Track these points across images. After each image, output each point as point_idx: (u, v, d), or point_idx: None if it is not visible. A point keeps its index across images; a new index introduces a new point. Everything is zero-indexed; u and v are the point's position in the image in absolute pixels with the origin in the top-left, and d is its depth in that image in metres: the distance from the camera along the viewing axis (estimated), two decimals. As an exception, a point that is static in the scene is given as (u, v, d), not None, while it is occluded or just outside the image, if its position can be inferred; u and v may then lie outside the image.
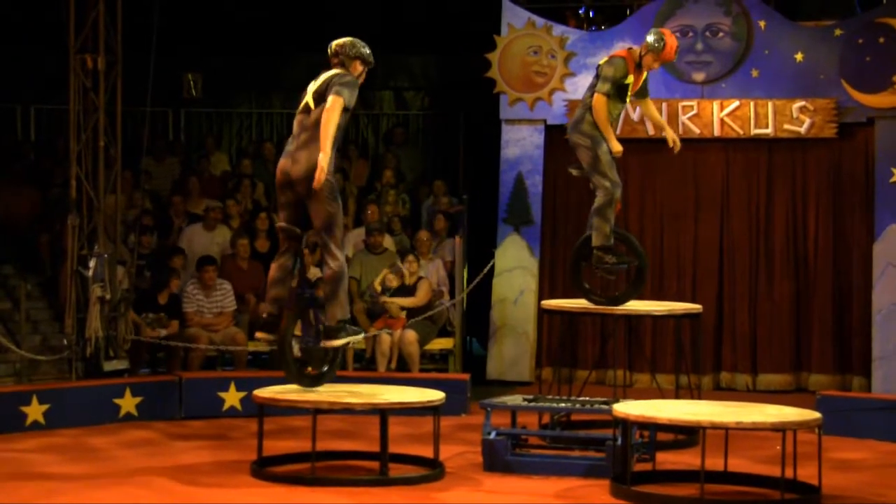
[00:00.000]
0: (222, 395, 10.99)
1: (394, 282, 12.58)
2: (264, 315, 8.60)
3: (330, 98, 8.27)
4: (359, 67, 8.64)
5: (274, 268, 8.53)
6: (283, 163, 8.37)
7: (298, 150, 8.31)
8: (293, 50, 16.08)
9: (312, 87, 8.51)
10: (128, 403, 10.68)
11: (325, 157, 8.13)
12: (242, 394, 10.82)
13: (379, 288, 12.59)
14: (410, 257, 12.68)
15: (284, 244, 8.55)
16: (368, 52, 8.68)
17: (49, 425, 10.20)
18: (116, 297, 11.46)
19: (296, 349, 8.61)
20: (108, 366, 11.27)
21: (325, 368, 8.84)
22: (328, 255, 8.31)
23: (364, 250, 13.23)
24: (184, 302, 12.19)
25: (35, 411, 10.21)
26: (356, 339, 8.65)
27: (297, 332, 8.68)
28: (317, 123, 8.27)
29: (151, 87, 11.54)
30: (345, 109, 8.32)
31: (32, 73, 14.59)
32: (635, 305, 10.07)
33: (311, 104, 8.40)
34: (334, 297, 8.34)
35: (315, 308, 8.60)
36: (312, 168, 8.17)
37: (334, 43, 8.63)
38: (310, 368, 8.71)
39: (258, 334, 8.72)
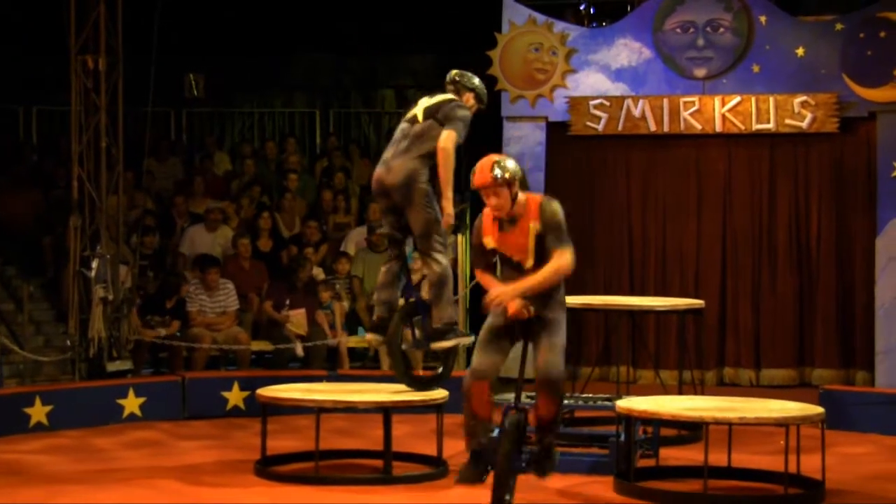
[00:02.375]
0: (226, 394, 11.00)
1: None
2: (374, 318, 8.65)
3: (445, 133, 8.35)
4: (471, 100, 8.72)
5: (382, 272, 8.63)
6: (379, 172, 8.42)
7: (394, 158, 8.36)
8: (294, 50, 16.11)
9: (425, 102, 8.56)
10: (131, 404, 10.68)
11: (448, 203, 8.32)
12: (246, 393, 10.83)
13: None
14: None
15: (391, 251, 8.65)
16: (485, 91, 8.83)
17: (53, 426, 10.21)
18: (119, 297, 11.47)
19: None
20: (112, 366, 11.28)
21: (440, 370, 8.84)
22: (430, 260, 8.40)
23: (366, 248, 13.23)
24: (187, 302, 12.19)
25: (38, 412, 10.21)
26: (464, 342, 8.70)
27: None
28: (418, 136, 8.36)
29: (153, 88, 11.55)
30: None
31: (34, 75, 14.61)
32: (638, 301, 10.06)
33: (420, 117, 8.46)
34: (439, 300, 8.40)
35: (422, 311, 8.58)
36: (408, 177, 8.26)
37: (454, 71, 8.77)
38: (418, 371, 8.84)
39: (368, 336, 8.77)
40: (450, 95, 8.59)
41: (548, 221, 6.94)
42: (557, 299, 7.05)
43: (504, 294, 6.82)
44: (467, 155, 15.26)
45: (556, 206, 7.00)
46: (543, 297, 6.97)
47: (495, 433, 6.94)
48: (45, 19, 12.85)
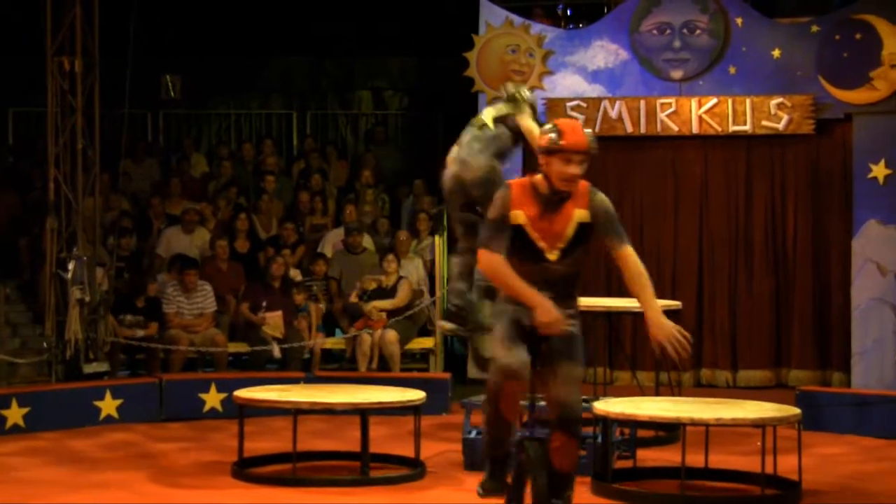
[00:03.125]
0: (203, 396, 10.97)
1: (371, 284, 12.58)
2: (450, 307, 8.85)
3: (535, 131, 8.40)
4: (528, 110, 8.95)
5: (455, 263, 8.87)
6: (455, 170, 8.66)
7: (471, 156, 8.63)
8: (271, 52, 16.09)
9: (491, 112, 8.92)
10: (108, 406, 10.65)
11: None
12: (223, 395, 10.80)
13: (356, 299, 12.59)
14: (390, 257, 12.68)
15: (465, 243, 8.77)
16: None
17: (29, 428, 10.16)
18: (96, 299, 11.44)
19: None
20: (88, 368, 11.25)
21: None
22: None
23: (343, 250, 13.23)
24: (164, 303, 12.17)
25: (15, 414, 10.17)
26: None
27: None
28: (492, 138, 8.70)
29: (129, 90, 11.52)
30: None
31: (9, 77, 14.55)
32: (615, 303, 10.08)
33: (490, 124, 8.78)
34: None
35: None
36: (488, 173, 8.52)
37: (512, 85, 9.08)
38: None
39: (443, 324, 8.98)
40: (512, 108, 8.89)
41: (600, 210, 6.07)
42: (577, 309, 6.26)
43: (560, 320, 5.94)
44: (446, 155, 15.34)
45: (603, 195, 6.16)
46: (568, 306, 6.16)
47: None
48: (20, 21, 12.81)
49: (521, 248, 6.02)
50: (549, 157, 5.98)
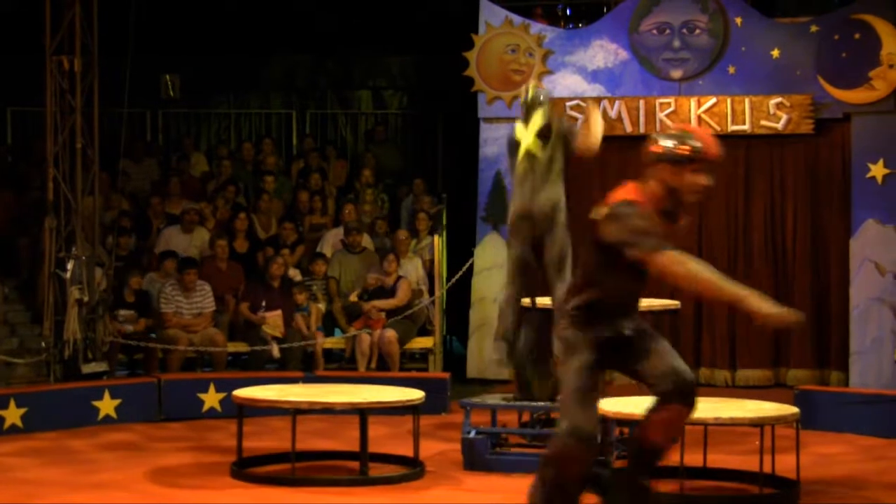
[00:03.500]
0: (202, 396, 10.96)
1: (374, 282, 12.57)
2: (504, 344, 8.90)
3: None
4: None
5: (505, 297, 8.90)
6: (523, 204, 8.59)
7: (535, 192, 8.58)
8: (271, 51, 16.07)
9: (528, 131, 8.76)
10: (107, 406, 10.64)
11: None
12: (222, 395, 10.80)
13: (356, 298, 12.58)
14: (390, 257, 12.68)
15: (513, 279, 8.86)
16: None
17: (27, 428, 10.15)
18: (94, 299, 11.43)
19: None
20: (87, 368, 11.24)
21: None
22: (560, 285, 8.55)
23: (343, 250, 13.22)
24: (162, 303, 12.17)
25: (13, 415, 10.16)
26: None
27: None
28: (546, 166, 8.58)
29: (128, 89, 11.51)
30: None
31: (8, 76, 14.54)
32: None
33: (536, 150, 8.64)
34: None
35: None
36: (550, 209, 8.53)
37: (536, 89, 8.95)
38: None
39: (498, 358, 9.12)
40: (546, 116, 8.79)
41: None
42: None
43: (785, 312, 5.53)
44: (445, 154, 15.36)
45: None
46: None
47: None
48: (19, 20, 12.80)
49: (625, 265, 5.63)
50: (679, 167, 5.63)
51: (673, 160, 5.62)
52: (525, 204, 8.63)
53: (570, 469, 5.67)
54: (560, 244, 8.62)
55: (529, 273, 8.78)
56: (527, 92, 8.93)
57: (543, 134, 8.68)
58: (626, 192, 5.67)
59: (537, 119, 8.77)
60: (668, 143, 5.63)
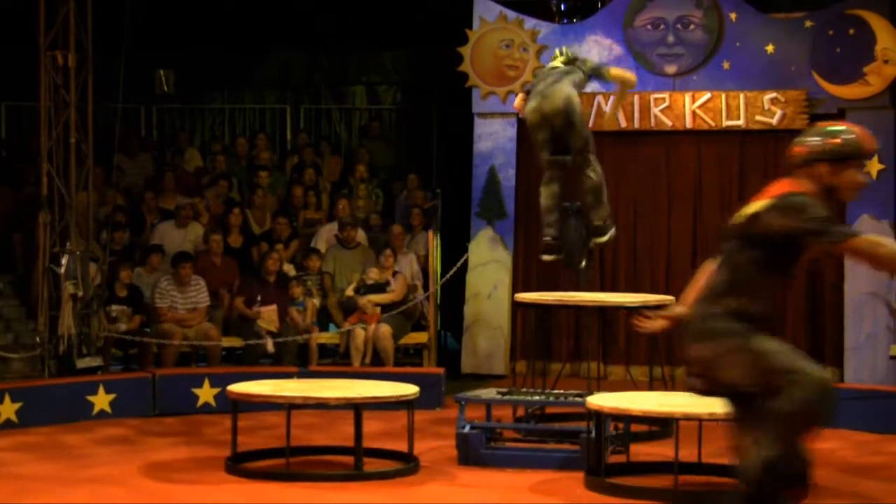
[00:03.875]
0: (196, 391, 10.95)
1: (374, 275, 12.54)
2: (547, 240, 9.50)
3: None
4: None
5: (545, 195, 9.53)
6: (535, 104, 9.30)
7: (548, 88, 9.28)
8: (265, 46, 16.04)
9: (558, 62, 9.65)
10: (101, 401, 10.63)
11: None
12: (216, 390, 10.79)
13: (352, 292, 12.57)
14: (387, 252, 12.66)
15: (551, 173, 9.51)
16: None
17: (22, 423, 10.14)
18: (89, 294, 11.40)
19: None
20: (81, 363, 11.21)
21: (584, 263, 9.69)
22: (589, 170, 9.41)
23: (337, 245, 13.20)
24: (157, 297, 12.14)
25: (8, 409, 10.15)
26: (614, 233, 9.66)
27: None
28: (566, 72, 9.40)
29: (123, 84, 11.48)
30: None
31: (2, 71, 14.50)
32: (609, 297, 10.07)
33: (561, 65, 9.56)
34: (598, 203, 9.47)
35: (579, 215, 9.61)
36: (566, 101, 9.20)
37: (570, 52, 9.83)
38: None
39: (544, 257, 9.60)
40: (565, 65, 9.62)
41: None
42: None
43: None
44: (439, 150, 15.34)
45: None
46: None
47: None
48: (13, 14, 12.76)
49: (792, 262, 5.45)
50: (841, 164, 5.31)
51: (833, 158, 5.32)
52: (537, 103, 9.26)
53: (816, 425, 5.21)
54: (583, 136, 9.34)
55: (557, 168, 9.50)
56: (562, 53, 9.67)
57: (570, 61, 9.47)
58: (786, 185, 5.40)
59: (577, 74, 9.49)
60: (825, 140, 5.34)
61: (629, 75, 10.08)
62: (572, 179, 9.68)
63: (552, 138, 9.35)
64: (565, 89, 9.28)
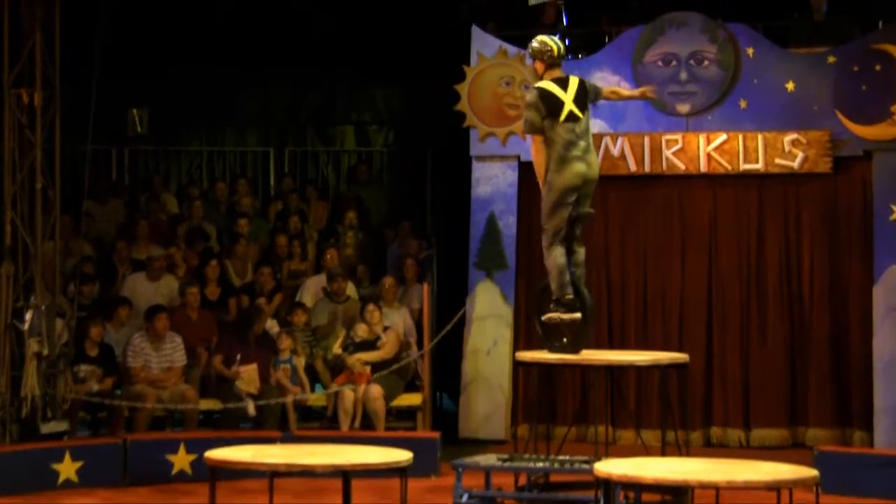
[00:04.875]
0: (171, 457, 10.94)
1: (362, 332, 12.55)
2: (569, 297, 9.36)
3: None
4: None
5: (561, 253, 9.43)
6: (583, 168, 9.29)
7: (589, 153, 9.35)
8: (246, 83, 16.11)
9: (567, 95, 9.29)
10: (68, 469, 10.61)
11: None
12: (193, 456, 10.78)
13: (340, 350, 12.58)
14: (371, 307, 12.67)
15: (568, 231, 9.46)
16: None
17: (-19, 493, 10.13)
18: (55, 352, 11.40)
19: None
20: (46, 427, 11.20)
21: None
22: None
23: (324, 298, 13.22)
24: (129, 356, 12.15)
25: (-34, 478, 10.13)
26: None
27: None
28: (587, 130, 9.35)
29: (93, 124, 11.54)
30: None
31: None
32: (617, 356, 10.09)
33: (578, 112, 9.29)
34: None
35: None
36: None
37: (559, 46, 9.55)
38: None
39: (564, 316, 9.45)
40: (575, 77, 9.46)
41: None
42: None
43: None
44: (434, 195, 15.38)
45: None
46: None
47: None
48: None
49: None
50: None
51: None
52: (585, 168, 9.26)
53: None
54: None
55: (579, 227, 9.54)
56: (557, 46, 9.39)
57: (581, 103, 9.28)
58: None
59: (574, 86, 9.27)
60: None
61: (644, 89, 10.24)
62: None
63: (575, 202, 9.41)
64: (597, 159, 9.55)
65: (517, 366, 11.51)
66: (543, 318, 9.47)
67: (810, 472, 8.09)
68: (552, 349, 9.62)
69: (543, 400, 10.99)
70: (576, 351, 9.59)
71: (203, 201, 14.65)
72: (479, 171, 13.35)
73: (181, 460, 10.94)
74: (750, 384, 12.75)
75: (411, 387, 12.86)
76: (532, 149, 9.36)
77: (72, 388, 11.53)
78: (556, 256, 9.39)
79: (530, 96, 9.31)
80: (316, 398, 12.65)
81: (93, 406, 11.87)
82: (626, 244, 13.12)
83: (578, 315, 9.34)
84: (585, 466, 9.02)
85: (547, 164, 9.23)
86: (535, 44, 9.39)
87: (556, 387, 12.51)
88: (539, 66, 9.39)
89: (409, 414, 12.99)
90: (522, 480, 9.68)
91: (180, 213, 14.74)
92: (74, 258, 13.10)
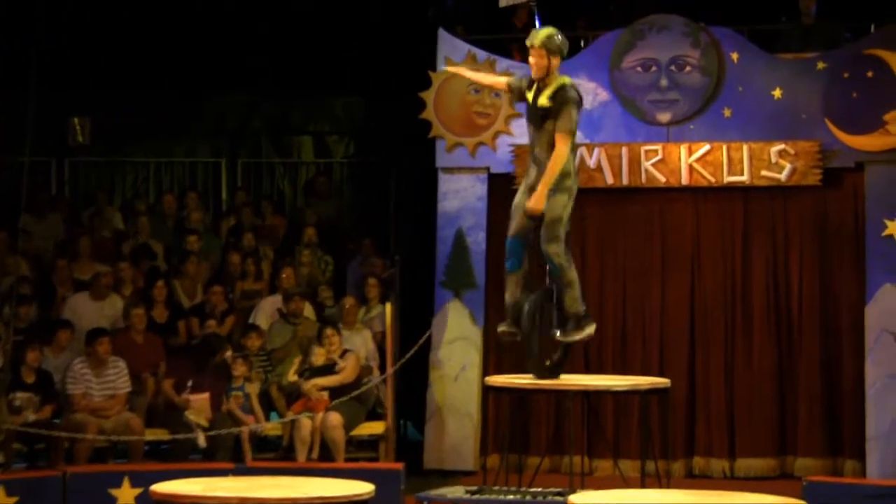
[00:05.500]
0: (114, 492, 10.85)
1: (320, 357, 12.51)
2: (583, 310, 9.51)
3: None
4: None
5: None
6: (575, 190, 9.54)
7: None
8: (197, 89, 16.06)
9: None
10: (2, 504, 10.54)
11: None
12: (138, 490, 10.70)
13: (295, 377, 12.52)
14: (330, 330, 12.62)
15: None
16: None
17: None
18: (-12, 379, 11.34)
19: None
20: (-22, 460, 11.13)
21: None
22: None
23: (280, 320, 13.17)
24: (69, 383, 12.06)
25: None
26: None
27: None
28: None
29: (30, 134, 11.46)
30: None
31: None
32: (594, 380, 10.08)
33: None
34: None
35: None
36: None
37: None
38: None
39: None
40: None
41: None
42: None
43: None
44: (398, 210, 15.38)
45: None
46: None
47: None
48: None
49: None
50: None
51: None
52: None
53: None
54: (551, 209, 9.37)
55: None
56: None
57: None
58: None
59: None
60: None
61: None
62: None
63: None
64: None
65: (487, 392, 11.50)
66: (567, 338, 9.53)
67: (800, 504, 8.10)
68: (539, 372, 9.58)
69: (515, 428, 10.95)
70: (556, 375, 9.61)
71: (150, 216, 14.61)
72: (446, 183, 13.33)
73: (125, 495, 10.86)
74: (735, 411, 12.75)
75: (373, 414, 12.82)
76: (563, 150, 9.35)
77: (6, 418, 11.44)
78: (574, 269, 9.57)
79: (574, 93, 9.43)
80: (271, 427, 12.60)
81: (30, 437, 11.78)
82: (604, 262, 13.11)
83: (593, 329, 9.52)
84: (560, 499, 8.99)
85: (567, 168, 9.34)
86: (558, 37, 9.45)
87: (528, 414, 12.48)
88: (555, 61, 9.44)
89: (370, 444, 12.96)
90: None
91: (125, 229, 14.67)
92: (10, 277, 12.99)
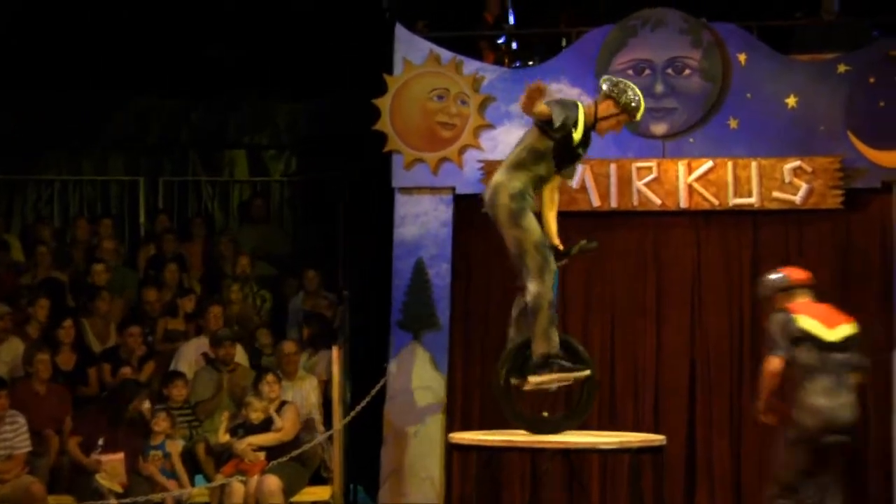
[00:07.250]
0: (10, 569, 10.85)
1: (256, 410, 12.50)
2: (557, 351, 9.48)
3: None
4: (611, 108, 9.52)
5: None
6: None
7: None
8: (112, 94, 16.05)
9: None
10: None
11: None
12: (39, 567, 10.70)
13: (227, 436, 12.50)
14: (270, 377, 12.62)
15: None
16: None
17: None
18: None
19: None
20: None
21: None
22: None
23: (207, 367, 13.16)
24: (-42, 441, 12.06)
25: None
26: (565, 378, 9.58)
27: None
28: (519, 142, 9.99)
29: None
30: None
31: None
32: (576, 437, 10.11)
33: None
34: (536, 329, 9.45)
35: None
36: (493, 192, 9.69)
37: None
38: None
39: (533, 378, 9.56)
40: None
41: None
42: None
43: None
44: (348, 237, 15.39)
45: None
46: None
47: None
48: None
49: None
50: None
51: None
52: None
53: None
54: (512, 237, 9.56)
55: None
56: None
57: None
58: None
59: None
60: None
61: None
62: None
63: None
64: (498, 177, 9.84)
65: (451, 450, 11.52)
66: (549, 382, 9.59)
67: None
68: (534, 428, 9.69)
69: (484, 492, 10.99)
70: (557, 430, 9.74)
71: (55, 245, 14.57)
72: (404, 206, 13.35)
73: (24, 572, 10.86)
74: (742, 473, 12.78)
75: (317, 478, 12.82)
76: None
77: None
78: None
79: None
80: (197, 493, 12.57)
81: None
82: (590, 298, 13.14)
83: (587, 371, 9.64)
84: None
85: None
86: (634, 94, 9.29)
87: (500, 476, 12.49)
88: (610, 106, 9.33)
89: (315, 512, 12.97)
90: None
91: (25, 260, 14.64)
92: None
